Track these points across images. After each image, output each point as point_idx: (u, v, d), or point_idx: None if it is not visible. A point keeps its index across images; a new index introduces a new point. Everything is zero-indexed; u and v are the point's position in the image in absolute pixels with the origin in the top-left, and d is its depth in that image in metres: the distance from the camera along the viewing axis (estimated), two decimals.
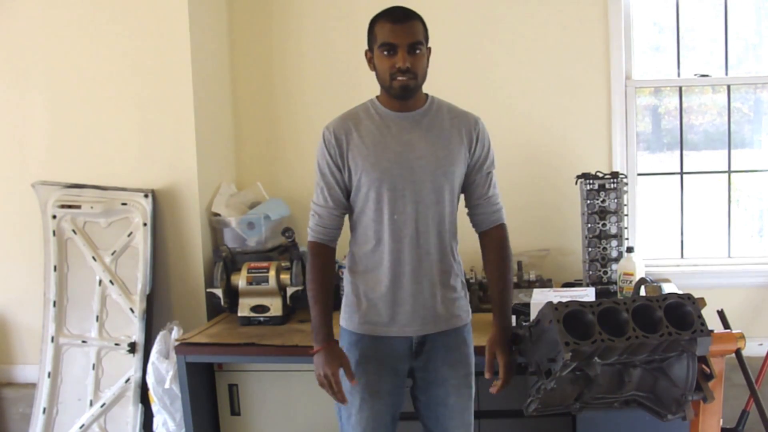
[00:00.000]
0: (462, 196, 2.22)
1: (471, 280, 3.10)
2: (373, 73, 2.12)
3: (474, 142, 2.15)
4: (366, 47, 2.12)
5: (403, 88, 2.04)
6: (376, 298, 2.12)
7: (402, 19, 2.04)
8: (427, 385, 2.17)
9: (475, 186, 2.18)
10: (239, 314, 2.97)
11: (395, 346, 2.13)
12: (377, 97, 2.16)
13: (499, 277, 2.18)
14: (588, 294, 2.57)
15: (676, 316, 1.88)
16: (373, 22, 2.08)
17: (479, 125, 2.17)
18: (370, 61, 2.11)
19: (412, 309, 2.11)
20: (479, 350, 2.26)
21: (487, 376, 2.11)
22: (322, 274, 2.14)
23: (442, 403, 2.16)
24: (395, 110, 2.11)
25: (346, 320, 2.19)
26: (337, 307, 2.20)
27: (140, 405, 3.05)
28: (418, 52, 2.03)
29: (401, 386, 2.18)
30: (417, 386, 2.20)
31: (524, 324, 2.04)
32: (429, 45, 2.11)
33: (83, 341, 3.13)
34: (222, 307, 3.06)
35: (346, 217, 2.21)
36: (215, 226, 3.25)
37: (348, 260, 2.21)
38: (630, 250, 2.94)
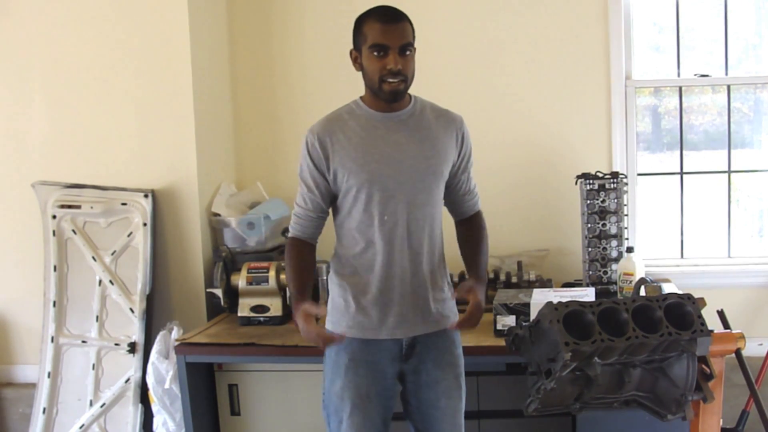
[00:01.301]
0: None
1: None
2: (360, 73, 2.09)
3: (461, 141, 2.16)
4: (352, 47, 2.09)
5: (393, 93, 2.02)
6: (366, 301, 2.09)
7: (393, 19, 2.01)
8: (418, 388, 2.15)
9: (460, 184, 2.21)
10: (239, 314, 2.97)
11: (385, 348, 2.11)
12: (361, 98, 2.13)
13: (476, 247, 2.24)
14: (588, 294, 2.57)
15: (676, 316, 1.88)
16: (361, 21, 2.05)
17: (464, 125, 2.18)
18: (356, 60, 2.08)
19: (403, 311, 2.09)
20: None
21: (458, 325, 2.13)
22: (297, 258, 2.14)
23: (433, 405, 2.14)
24: (381, 110, 2.09)
25: (333, 324, 2.15)
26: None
27: (140, 405, 3.05)
28: (408, 53, 2.02)
29: (392, 389, 2.15)
30: (407, 390, 2.17)
31: (524, 324, 2.04)
32: (415, 45, 2.08)
33: (83, 341, 3.13)
34: (222, 307, 3.06)
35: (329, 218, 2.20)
36: (215, 226, 3.25)
37: (333, 263, 2.18)
38: (630, 250, 2.94)
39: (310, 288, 2.17)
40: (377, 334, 2.10)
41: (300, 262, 2.14)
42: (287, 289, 2.17)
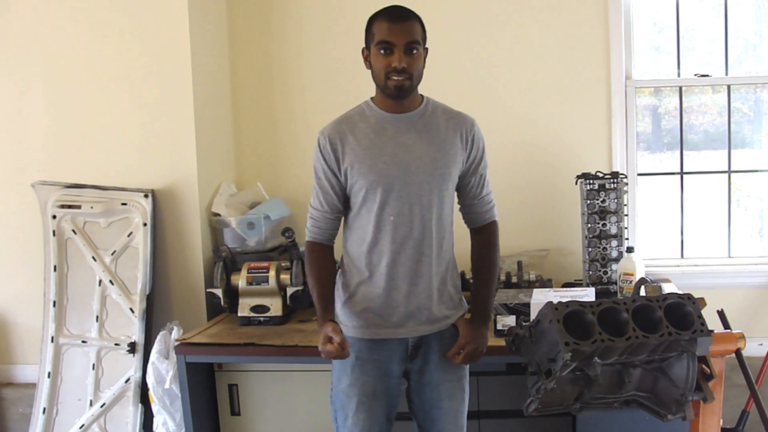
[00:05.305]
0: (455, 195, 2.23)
1: (471, 280, 3.09)
2: (370, 71, 2.11)
3: (470, 144, 2.15)
4: (363, 46, 2.12)
5: (397, 88, 2.04)
6: (370, 300, 2.11)
7: (400, 18, 2.03)
8: (421, 387, 2.18)
9: (469, 188, 2.20)
10: (239, 314, 2.97)
11: (391, 348, 2.13)
12: (372, 98, 2.15)
13: (484, 272, 2.21)
14: (588, 294, 2.56)
15: (676, 316, 1.88)
16: (371, 21, 2.08)
17: (475, 127, 2.17)
18: (367, 59, 2.10)
19: (407, 311, 2.11)
20: None
21: (449, 355, 2.14)
22: (317, 266, 2.15)
23: (435, 406, 2.17)
24: (391, 111, 2.11)
25: (339, 323, 2.16)
26: None
27: (140, 405, 3.05)
28: (414, 52, 2.03)
29: (397, 387, 2.18)
30: (411, 389, 2.21)
31: (524, 324, 2.04)
32: (427, 46, 2.11)
33: (83, 341, 3.13)
34: (222, 307, 3.06)
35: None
36: (215, 226, 3.25)
37: (342, 261, 2.21)
38: (630, 250, 2.94)
39: (333, 300, 2.16)
40: (382, 333, 2.12)
41: (321, 272, 2.15)
42: (313, 299, 2.15)
